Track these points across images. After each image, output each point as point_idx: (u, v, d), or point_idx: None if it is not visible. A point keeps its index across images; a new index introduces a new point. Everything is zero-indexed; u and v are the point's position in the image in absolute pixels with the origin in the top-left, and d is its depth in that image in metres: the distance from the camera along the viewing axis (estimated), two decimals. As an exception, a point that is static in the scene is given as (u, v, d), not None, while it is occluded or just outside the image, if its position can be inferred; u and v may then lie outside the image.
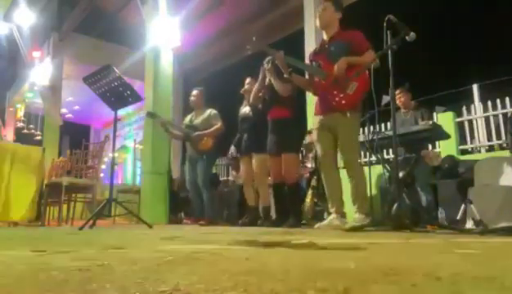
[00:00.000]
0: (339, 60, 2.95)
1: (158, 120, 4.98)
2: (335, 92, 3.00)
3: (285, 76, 3.32)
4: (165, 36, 6.15)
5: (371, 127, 4.24)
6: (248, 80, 4.39)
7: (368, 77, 2.95)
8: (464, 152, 5.45)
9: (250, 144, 4.22)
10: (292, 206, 3.76)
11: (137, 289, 0.64)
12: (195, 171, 4.71)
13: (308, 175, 4.80)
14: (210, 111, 4.80)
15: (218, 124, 4.68)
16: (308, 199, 4.66)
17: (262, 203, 4.19)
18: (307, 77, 3.45)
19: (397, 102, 4.13)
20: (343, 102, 2.97)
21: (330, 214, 3.15)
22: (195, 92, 4.94)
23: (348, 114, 2.98)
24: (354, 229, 2.65)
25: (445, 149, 5.09)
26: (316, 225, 3.15)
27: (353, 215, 2.99)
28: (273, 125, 3.84)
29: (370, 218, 3.03)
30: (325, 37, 3.23)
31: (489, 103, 5.56)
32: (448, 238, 1.95)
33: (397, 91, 4.10)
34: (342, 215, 3.08)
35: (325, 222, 3.11)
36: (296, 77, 3.31)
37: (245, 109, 4.34)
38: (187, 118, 5.00)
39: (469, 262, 1.00)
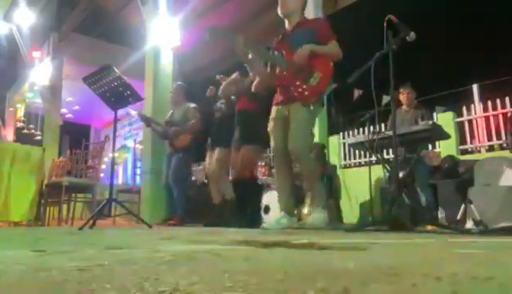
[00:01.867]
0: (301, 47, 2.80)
1: (140, 116, 4.88)
2: (298, 83, 2.84)
3: (244, 64, 3.14)
4: (165, 36, 6.16)
5: (371, 127, 4.24)
6: (234, 74, 4.22)
7: (332, 69, 2.85)
8: (464, 152, 5.45)
9: (214, 138, 4.13)
10: (249, 202, 3.57)
11: (137, 289, 0.64)
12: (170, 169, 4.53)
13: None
14: (188, 105, 4.64)
15: (195, 119, 4.50)
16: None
17: (215, 200, 4.04)
18: (268, 69, 3.17)
19: (402, 99, 4.14)
20: (306, 93, 2.81)
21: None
22: (173, 87, 4.86)
23: (311, 107, 2.83)
24: (314, 227, 2.61)
25: (445, 149, 5.09)
26: (263, 225, 3.04)
27: (312, 213, 2.87)
28: (238, 116, 3.72)
29: (326, 210, 2.89)
30: (287, 25, 3.06)
31: (489, 103, 5.56)
32: (448, 238, 1.95)
33: (404, 88, 4.11)
34: (290, 213, 2.91)
35: (272, 222, 2.99)
36: (257, 67, 3.10)
37: (219, 102, 4.23)
38: (168, 115, 4.89)
39: (469, 262, 1.00)
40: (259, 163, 5.08)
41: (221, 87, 3.93)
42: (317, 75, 2.80)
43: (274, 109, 3.04)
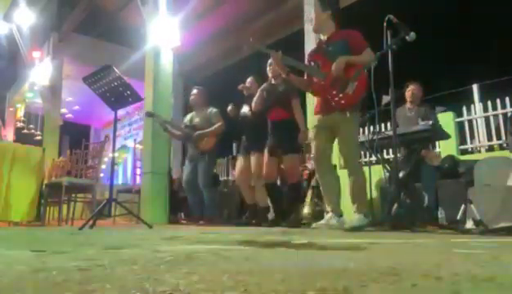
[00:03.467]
0: (336, 60, 2.94)
1: (157, 119, 4.95)
2: (334, 92, 2.99)
3: (282, 76, 3.32)
4: (165, 36, 6.15)
5: (371, 127, 4.24)
6: (249, 79, 4.38)
7: (367, 77, 2.94)
8: (464, 152, 5.44)
9: (249, 145, 4.22)
10: (292, 206, 3.75)
11: (137, 289, 0.64)
12: (195, 171, 4.66)
13: (308, 175, 4.80)
14: (211, 110, 4.76)
15: (220, 123, 4.63)
16: (308, 199, 4.66)
17: (262, 203, 4.18)
18: (305, 77, 3.45)
19: (407, 95, 4.13)
20: (343, 102, 2.96)
21: (327, 213, 3.15)
22: (195, 91, 4.92)
23: (348, 114, 2.97)
24: (353, 229, 2.65)
25: (445, 149, 5.09)
26: (314, 225, 3.14)
27: (352, 215, 2.98)
28: (273, 126, 3.86)
29: (370, 218, 3.02)
30: (322, 37, 3.23)
31: (489, 103, 5.56)
32: (448, 238, 1.95)
33: (411, 86, 4.10)
34: (338, 214, 3.06)
35: (322, 222, 3.10)
36: (294, 78, 3.29)
37: (245, 109, 4.33)
38: (187, 118, 4.97)
39: (469, 262, 1.00)
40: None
41: (254, 101, 4.02)
42: (353, 84, 2.92)
43: (315, 118, 3.19)
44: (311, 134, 3.27)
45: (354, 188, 3.01)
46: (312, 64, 3.24)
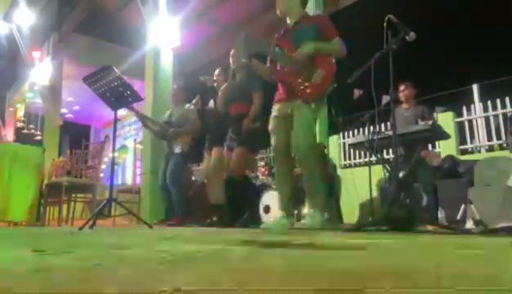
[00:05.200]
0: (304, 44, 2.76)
1: (136, 114, 4.72)
2: (300, 80, 2.77)
3: (243, 60, 3.13)
4: (165, 36, 6.16)
5: (371, 127, 4.24)
6: (217, 71, 4.30)
7: (335, 67, 2.80)
8: (464, 152, 5.44)
9: (211, 140, 4.18)
10: (243, 204, 3.63)
11: (137, 289, 0.64)
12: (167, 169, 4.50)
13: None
14: (188, 106, 4.62)
15: (195, 120, 4.49)
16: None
17: (217, 201, 4.06)
18: (268, 64, 3.11)
19: (401, 96, 4.15)
20: (309, 91, 2.74)
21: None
22: (175, 88, 4.86)
23: (313, 105, 2.76)
24: (313, 229, 2.60)
25: (445, 149, 5.09)
26: (263, 225, 3.03)
27: (310, 213, 2.82)
28: (233, 121, 3.78)
29: (327, 216, 2.83)
30: (289, 21, 3.01)
31: (489, 103, 5.56)
32: (448, 238, 1.95)
33: (403, 86, 4.12)
34: (289, 213, 2.88)
35: (270, 222, 2.98)
36: (257, 64, 3.01)
37: (211, 104, 4.26)
38: (167, 114, 4.86)
39: (469, 262, 1.00)
40: (259, 164, 5.11)
41: (219, 96, 3.96)
42: (320, 72, 2.74)
43: (275, 107, 2.96)
44: (270, 124, 3.00)
45: (309, 182, 2.78)
46: (278, 49, 2.99)
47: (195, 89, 5.00)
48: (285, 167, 2.94)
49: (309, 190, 2.79)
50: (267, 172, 5.02)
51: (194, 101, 4.33)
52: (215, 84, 4.24)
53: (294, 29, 2.94)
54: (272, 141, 2.97)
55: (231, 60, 3.90)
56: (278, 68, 2.95)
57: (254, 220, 3.56)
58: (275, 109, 2.97)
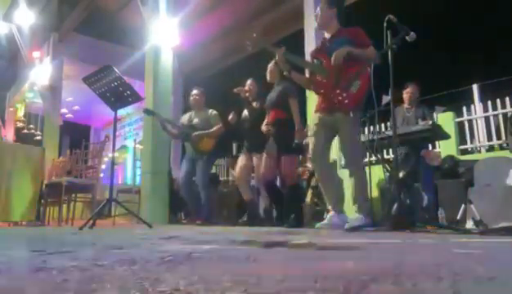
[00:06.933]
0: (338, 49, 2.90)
1: (156, 118, 4.90)
2: (338, 91, 2.95)
3: (284, 73, 3.31)
4: (165, 36, 6.15)
5: (371, 127, 4.24)
6: (249, 81, 4.40)
7: (370, 76, 2.92)
8: (464, 152, 5.45)
9: (250, 146, 4.27)
10: (292, 207, 3.77)
11: (137, 289, 0.64)
12: (193, 171, 4.69)
13: (308, 175, 4.80)
14: (211, 112, 4.80)
15: (219, 125, 4.69)
16: (308, 199, 4.66)
17: (246, 198, 4.28)
18: (307, 75, 3.39)
19: (405, 97, 4.14)
20: (346, 101, 2.92)
21: (328, 212, 3.14)
22: (196, 92, 4.91)
23: (351, 114, 2.93)
24: (353, 229, 2.64)
25: (445, 149, 5.09)
26: (317, 225, 3.13)
27: (353, 214, 2.97)
28: (271, 125, 3.87)
29: (371, 218, 3.00)
30: (326, 35, 3.20)
31: (489, 103, 5.56)
32: (448, 238, 1.95)
33: (410, 87, 4.12)
34: (340, 212, 3.04)
35: (325, 221, 3.10)
36: (296, 76, 3.25)
37: (245, 112, 4.38)
38: (185, 117, 4.96)
39: (469, 262, 1.00)
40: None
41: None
42: (357, 83, 2.90)
43: (316, 115, 3.15)
44: (310, 131, 3.25)
45: (356, 188, 2.98)
46: (315, 61, 3.20)
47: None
48: (325, 169, 3.14)
49: (356, 195, 2.96)
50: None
51: (230, 117, 4.48)
52: (247, 94, 4.33)
53: (330, 42, 3.12)
54: (311, 146, 3.18)
55: (267, 76, 4.05)
56: (318, 79, 3.15)
57: (299, 221, 3.70)
58: (315, 117, 3.17)
